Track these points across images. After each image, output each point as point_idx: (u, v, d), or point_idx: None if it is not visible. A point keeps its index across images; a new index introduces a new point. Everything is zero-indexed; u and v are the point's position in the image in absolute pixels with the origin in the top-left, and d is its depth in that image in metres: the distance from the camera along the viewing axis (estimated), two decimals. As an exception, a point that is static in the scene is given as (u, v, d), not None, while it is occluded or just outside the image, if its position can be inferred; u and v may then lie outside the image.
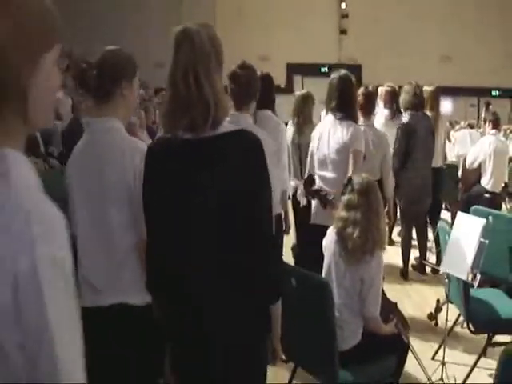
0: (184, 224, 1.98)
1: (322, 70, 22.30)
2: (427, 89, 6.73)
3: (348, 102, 4.47)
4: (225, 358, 2.01)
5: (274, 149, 3.61)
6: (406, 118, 6.30)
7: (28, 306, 1.07)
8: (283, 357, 3.51)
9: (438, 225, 4.90)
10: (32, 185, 1.15)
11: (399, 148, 6.13)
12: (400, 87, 6.83)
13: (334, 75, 4.53)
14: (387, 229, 6.31)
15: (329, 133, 4.48)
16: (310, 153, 4.74)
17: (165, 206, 2.01)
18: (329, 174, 4.42)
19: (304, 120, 5.76)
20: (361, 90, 5.72)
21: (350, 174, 4.05)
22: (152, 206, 2.06)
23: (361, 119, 5.29)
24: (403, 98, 6.40)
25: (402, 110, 6.55)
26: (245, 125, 3.07)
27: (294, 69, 21.56)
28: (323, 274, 3.43)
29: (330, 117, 4.54)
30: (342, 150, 4.36)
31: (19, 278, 1.05)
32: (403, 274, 6.61)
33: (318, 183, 4.29)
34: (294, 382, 3.61)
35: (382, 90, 7.52)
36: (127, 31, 18.76)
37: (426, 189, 6.34)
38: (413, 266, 6.79)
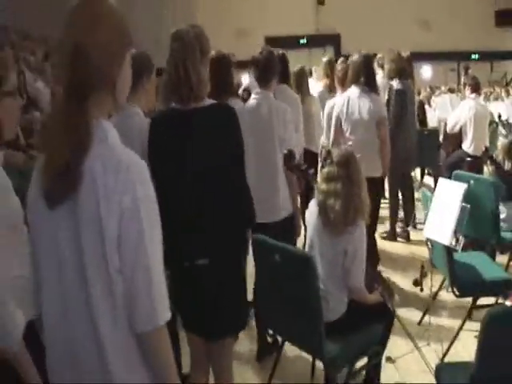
0: (179, 178, 2.64)
1: (301, 41, 22.24)
2: (402, 55, 6.75)
3: (373, 77, 5.40)
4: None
5: (294, 118, 4.25)
6: (397, 85, 6.38)
7: (130, 236, 1.51)
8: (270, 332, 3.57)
9: (421, 190, 4.92)
10: (121, 144, 1.62)
11: (395, 112, 6.27)
12: (375, 55, 6.82)
13: (358, 55, 5.34)
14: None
15: (358, 103, 5.26)
16: (335, 119, 5.43)
17: (163, 161, 2.68)
18: (360, 137, 5.21)
19: (303, 93, 5.90)
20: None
21: (383, 137, 5.19)
22: (155, 162, 2.57)
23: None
24: (389, 66, 6.52)
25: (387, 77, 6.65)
26: (268, 100, 4.01)
27: (272, 42, 21.42)
28: (306, 247, 3.44)
29: (356, 89, 5.29)
30: (372, 116, 5.21)
31: (124, 213, 1.50)
32: (393, 236, 6.75)
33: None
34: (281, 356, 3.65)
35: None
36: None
37: (414, 152, 6.58)
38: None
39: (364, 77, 5.26)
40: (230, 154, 2.67)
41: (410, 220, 6.97)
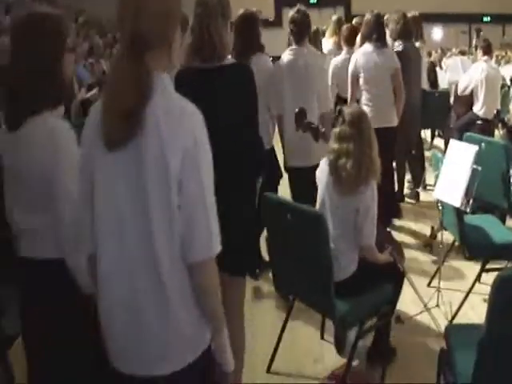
0: None
1: (312, 1, 21.92)
2: (407, 17, 6.62)
3: (384, 34, 5.78)
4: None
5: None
6: (399, 46, 6.22)
7: (191, 174, 1.66)
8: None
9: (431, 152, 4.88)
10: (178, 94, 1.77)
11: None
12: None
13: (369, 15, 5.70)
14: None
15: (373, 58, 5.59)
16: (351, 75, 5.71)
17: None
18: (376, 90, 5.61)
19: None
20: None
21: (398, 88, 5.59)
22: None
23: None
24: (392, 27, 6.35)
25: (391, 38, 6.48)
26: (303, 55, 4.53)
27: (282, 1, 21.11)
28: (317, 206, 3.42)
29: (369, 46, 5.63)
30: (387, 69, 5.59)
31: (186, 154, 1.64)
32: (400, 196, 6.68)
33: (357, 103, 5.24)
34: (292, 314, 3.66)
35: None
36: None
37: (418, 112, 6.52)
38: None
39: (376, 34, 5.61)
40: (244, 113, 2.86)
41: (419, 181, 6.95)
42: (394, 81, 5.60)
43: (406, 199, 6.81)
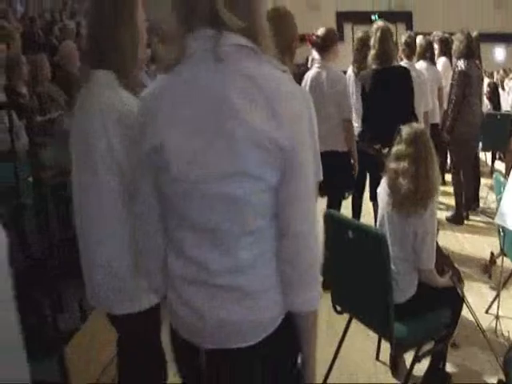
0: None
1: (373, 18, 21.86)
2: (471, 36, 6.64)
3: (434, 54, 7.11)
4: None
5: None
6: (461, 65, 6.33)
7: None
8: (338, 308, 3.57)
9: (493, 175, 4.80)
10: None
11: (457, 92, 6.31)
12: (451, 34, 7.02)
13: (422, 38, 7.01)
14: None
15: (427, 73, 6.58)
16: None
17: None
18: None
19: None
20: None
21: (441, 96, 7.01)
22: None
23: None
24: (456, 46, 6.47)
25: (455, 57, 6.62)
26: (327, 69, 4.89)
27: (343, 17, 21.11)
28: (377, 225, 3.40)
29: (423, 63, 6.87)
30: (436, 83, 6.97)
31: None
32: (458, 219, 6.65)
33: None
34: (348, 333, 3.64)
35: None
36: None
37: (478, 132, 6.63)
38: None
39: (429, 53, 6.94)
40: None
41: (471, 202, 6.92)
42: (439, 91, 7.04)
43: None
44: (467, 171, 6.76)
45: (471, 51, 6.37)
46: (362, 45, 5.63)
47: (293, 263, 1.56)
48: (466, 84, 6.25)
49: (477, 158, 7.08)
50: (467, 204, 6.83)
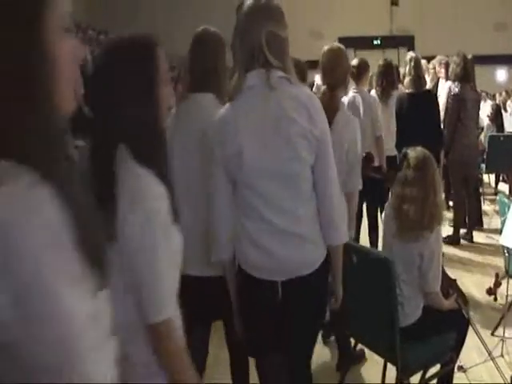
0: None
1: (375, 42, 22.04)
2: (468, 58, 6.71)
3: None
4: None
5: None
6: (455, 88, 6.48)
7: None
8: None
9: (497, 197, 4.82)
10: None
11: (452, 116, 6.45)
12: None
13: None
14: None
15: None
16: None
17: None
18: None
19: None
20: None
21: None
22: None
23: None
24: (453, 68, 6.61)
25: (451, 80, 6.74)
26: (361, 94, 5.56)
27: (346, 42, 21.23)
28: (382, 249, 3.41)
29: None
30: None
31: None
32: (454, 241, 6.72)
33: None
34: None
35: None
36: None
37: (476, 155, 6.84)
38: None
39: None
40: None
41: (475, 223, 6.94)
42: None
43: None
44: (468, 193, 6.82)
45: (467, 74, 6.50)
46: (386, 71, 6.12)
47: (330, 213, 2.42)
48: (460, 107, 6.41)
49: (477, 179, 7.13)
50: (470, 225, 6.85)
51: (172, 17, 20.85)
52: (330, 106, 3.33)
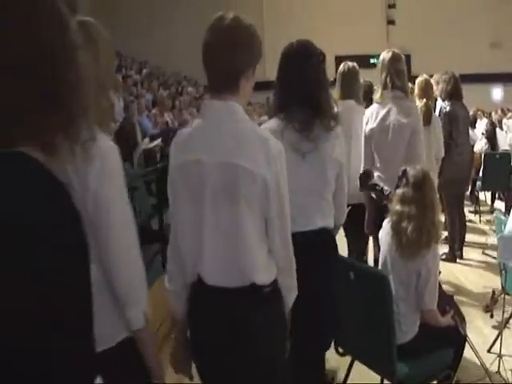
0: None
1: (372, 61, 22.13)
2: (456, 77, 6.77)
3: None
4: None
5: None
6: (447, 106, 6.53)
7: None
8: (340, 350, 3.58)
9: (494, 214, 4.85)
10: None
11: (444, 134, 6.34)
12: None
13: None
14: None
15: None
16: None
17: None
18: None
19: None
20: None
21: None
22: None
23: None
24: (441, 87, 6.63)
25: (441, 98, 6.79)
26: None
27: (343, 61, 21.35)
28: (380, 266, 3.44)
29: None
30: None
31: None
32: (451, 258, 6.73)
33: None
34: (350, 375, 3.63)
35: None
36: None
37: (469, 172, 6.88)
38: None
39: None
40: None
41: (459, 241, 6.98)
42: None
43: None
44: (461, 211, 6.88)
45: (458, 92, 6.56)
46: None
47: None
48: (452, 125, 6.45)
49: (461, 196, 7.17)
50: (461, 242, 6.91)
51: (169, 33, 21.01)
52: None
